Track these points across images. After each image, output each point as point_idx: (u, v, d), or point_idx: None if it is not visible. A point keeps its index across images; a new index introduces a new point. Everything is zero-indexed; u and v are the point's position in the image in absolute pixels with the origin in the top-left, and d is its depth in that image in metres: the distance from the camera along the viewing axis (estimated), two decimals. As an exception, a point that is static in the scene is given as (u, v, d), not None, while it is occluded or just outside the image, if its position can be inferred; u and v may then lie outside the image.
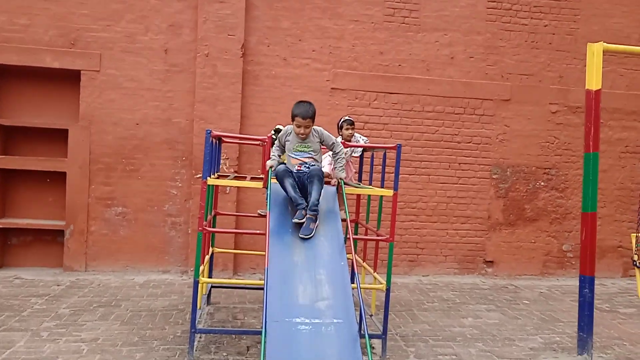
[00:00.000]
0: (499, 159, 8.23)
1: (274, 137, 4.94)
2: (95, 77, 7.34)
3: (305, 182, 4.46)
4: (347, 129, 5.58)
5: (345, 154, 5.47)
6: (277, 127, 5.29)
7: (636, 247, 5.39)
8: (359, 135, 5.89)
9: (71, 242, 7.26)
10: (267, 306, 3.68)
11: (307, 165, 4.49)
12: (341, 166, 4.68)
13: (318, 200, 4.39)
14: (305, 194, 4.46)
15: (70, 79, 7.37)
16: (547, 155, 8.35)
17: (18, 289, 6.32)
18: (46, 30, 7.24)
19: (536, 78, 8.32)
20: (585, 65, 5.05)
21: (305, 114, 4.40)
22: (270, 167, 4.48)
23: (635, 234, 5.45)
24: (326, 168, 5.44)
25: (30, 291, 6.21)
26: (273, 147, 4.70)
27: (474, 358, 4.71)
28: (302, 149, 4.51)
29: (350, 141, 5.65)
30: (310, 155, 4.53)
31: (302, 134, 4.45)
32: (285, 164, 4.60)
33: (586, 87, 4.94)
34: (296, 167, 4.51)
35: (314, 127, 4.53)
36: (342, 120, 5.75)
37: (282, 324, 3.71)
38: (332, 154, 4.74)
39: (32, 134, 7.41)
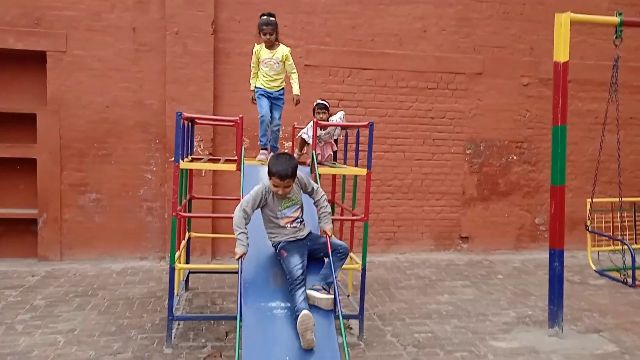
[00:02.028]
0: (472, 134, 8.29)
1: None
2: (61, 58, 7.12)
3: (309, 249, 3.98)
4: (318, 113, 5.51)
5: (327, 133, 5.49)
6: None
7: (589, 212, 5.53)
8: (335, 115, 5.80)
9: (45, 230, 7.14)
10: (242, 291, 3.69)
11: (299, 220, 3.98)
12: (326, 216, 4.09)
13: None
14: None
15: (35, 60, 7.13)
16: (520, 128, 8.43)
17: (-9, 280, 6.23)
18: (8, 9, 6.97)
19: (508, 50, 8.34)
20: (554, 34, 5.03)
21: (284, 173, 3.74)
22: (241, 256, 3.75)
23: (589, 200, 5.56)
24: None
25: (4, 283, 6.12)
26: (238, 213, 3.81)
27: (449, 334, 4.82)
28: (288, 205, 3.93)
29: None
30: (297, 207, 3.98)
31: (281, 195, 3.86)
32: (274, 233, 4.00)
33: (554, 59, 4.93)
34: (289, 226, 3.93)
35: None
36: (315, 104, 5.67)
37: (258, 308, 3.75)
38: (314, 203, 4.17)
39: (-3, 120, 7.20)
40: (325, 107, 5.54)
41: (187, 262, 5.94)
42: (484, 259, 7.95)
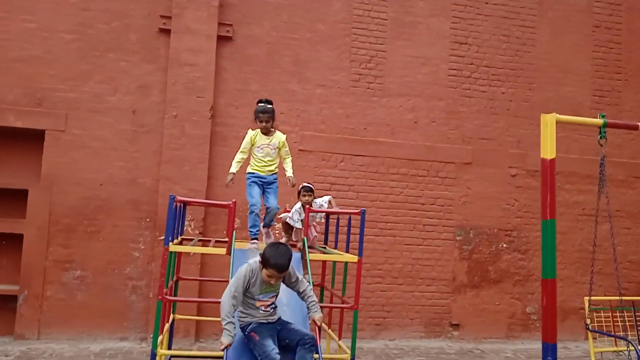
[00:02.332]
0: (462, 221, 8.38)
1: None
2: (59, 137, 7.26)
3: (278, 334, 3.85)
4: (304, 196, 5.58)
5: (312, 216, 5.53)
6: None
7: (589, 310, 5.47)
8: (320, 199, 5.86)
9: (24, 308, 6.93)
10: None
11: (273, 306, 3.91)
12: (315, 305, 3.98)
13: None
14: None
15: (33, 138, 7.27)
16: (508, 217, 8.55)
17: (-37, 359, 5.95)
18: (11, 89, 7.19)
19: (496, 142, 8.64)
20: (541, 131, 5.23)
21: (282, 267, 3.71)
22: (227, 346, 3.64)
23: (587, 298, 5.53)
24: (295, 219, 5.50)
25: (-24, 362, 5.86)
26: (227, 300, 3.70)
27: None
28: (267, 291, 3.88)
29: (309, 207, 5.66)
30: (274, 295, 3.92)
31: (272, 283, 3.82)
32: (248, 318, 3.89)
33: (541, 156, 5.11)
34: (262, 309, 3.85)
35: None
36: (300, 187, 5.75)
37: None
38: (299, 293, 4.01)
39: (-11, 194, 7.20)
40: (311, 190, 5.62)
41: (170, 345, 5.72)
42: (475, 347, 7.76)
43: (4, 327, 7.01)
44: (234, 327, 3.67)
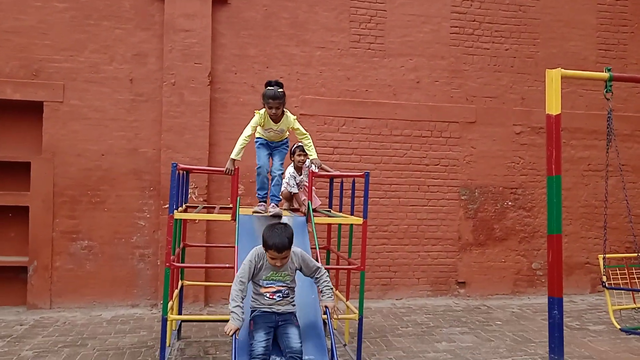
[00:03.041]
0: (466, 180, 8.35)
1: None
2: (58, 108, 7.19)
3: (277, 325, 3.71)
4: (299, 155, 5.55)
5: (302, 180, 5.52)
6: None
7: (603, 268, 5.51)
8: (311, 163, 5.80)
9: (35, 278, 7.01)
10: (236, 344, 3.60)
11: (282, 294, 3.74)
12: (329, 291, 3.89)
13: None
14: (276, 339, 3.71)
15: (32, 110, 7.21)
16: (513, 175, 8.51)
17: (-23, 330, 6.06)
18: (7, 62, 7.09)
19: (500, 100, 8.52)
20: (545, 87, 5.16)
21: (281, 246, 3.58)
22: (235, 331, 3.55)
23: (601, 255, 5.57)
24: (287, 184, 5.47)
25: (-10, 333, 5.97)
26: (234, 286, 3.65)
27: (448, 385, 4.69)
28: (274, 279, 3.74)
29: (301, 167, 5.63)
30: (283, 285, 3.76)
31: (279, 265, 3.71)
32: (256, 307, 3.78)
33: (546, 112, 5.05)
34: (268, 295, 3.72)
35: (293, 249, 3.77)
36: (294, 146, 5.64)
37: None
38: (315, 280, 3.93)
39: (-8, 168, 7.19)
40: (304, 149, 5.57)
41: (180, 311, 5.82)
42: (482, 304, 7.85)
43: (17, 297, 7.12)
44: (242, 312, 3.59)
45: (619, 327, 5.58)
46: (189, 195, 6.73)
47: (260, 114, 4.83)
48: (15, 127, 7.32)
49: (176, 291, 5.33)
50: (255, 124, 4.87)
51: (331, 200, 6.19)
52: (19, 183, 7.20)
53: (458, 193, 8.32)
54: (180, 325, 5.81)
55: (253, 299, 3.79)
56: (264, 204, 5.08)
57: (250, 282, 3.75)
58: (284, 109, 4.86)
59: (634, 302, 6.50)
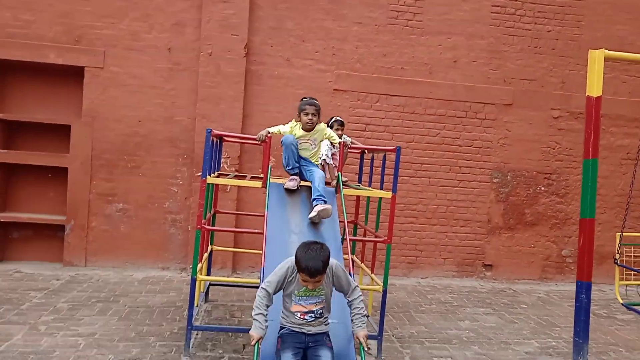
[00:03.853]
0: (499, 163, 8.24)
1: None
2: (98, 74, 7.38)
3: (307, 347, 3.30)
4: (336, 129, 5.52)
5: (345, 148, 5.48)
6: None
7: (619, 245, 5.44)
8: (346, 137, 5.80)
9: (71, 237, 7.29)
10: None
11: (314, 315, 3.30)
12: (361, 318, 3.39)
13: None
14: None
15: (73, 75, 7.42)
16: (548, 160, 8.35)
17: (17, 282, 6.36)
18: (50, 27, 7.28)
19: (538, 83, 8.33)
20: (587, 69, 5.04)
21: (314, 269, 3.13)
22: (258, 340, 3.19)
23: (619, 233, 5.49)
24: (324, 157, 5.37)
25: (29, 285, 6.25)
26: (259, 293, 3.28)
27: (469, 361, 4.72)
28: (306, 295, 3.30)
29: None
30: (317, 302, 3.31)
31: (311, 288, 3.28)
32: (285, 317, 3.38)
33: (587, 94, 4.94)
34: (299, 315, 3.30)
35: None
36: (332, 119, 5.60)
37: (277, 323, 3.71)
38: (348, 301, 3.43)
39: (34, 129, 7.44)
40: (343, 124, 5.57)
41: (208, 274, 5.98)
42: (508, 287, 7.80)
43: (54, 254, 7.43)
44: (265, 320, 3.23)
45: (621, 301, 5.55)
46: (221, 165, 6.84)
47: (293, 122, 4.82)
48: (57, 91, 7.55)
49: (205, 255, 5.47)
50: (287, 129, 4.80)
51: (361, 176, 6.20)
52: (59, 145, 7.45)
53: (490, 176, 8.22)
54: (208, 288, 5.98)
55: (283, 315, 3.40)
56: (296, 177, 4.78)
57: (281, 292, 3.37)
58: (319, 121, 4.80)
59: None
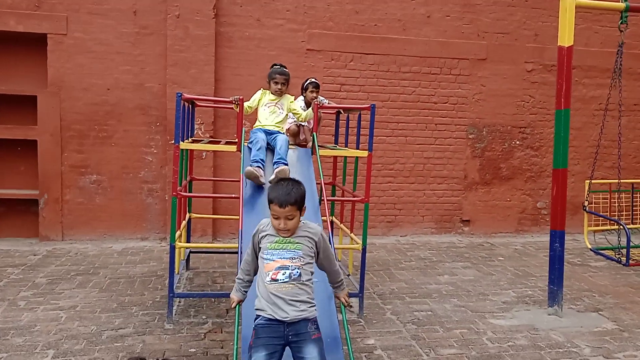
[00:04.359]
0: (475, 119, 8.27)
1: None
2: (62, 41, 7.10)
3: (288, 342, 2.75)
4: (311, 92, 5.47)
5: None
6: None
7: (588, 193, 5.57)
8: (322, 98, 5.74)
9: (46, 211, 7.16)
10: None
11: (289, 273, 2.74)
12: (342, 283, 3.15)
13: None
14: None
15: (36, 43, 7.12)
16: (523, 114, 8.41)
17: (-7, 259, 6.26)
18: (8, -8, 6.94)
19: (512, 36, 8.29)
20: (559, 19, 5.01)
21: (284, 198, 2.72)
22: (238, 302, 3.02)
23: (588, 181, 5.61)
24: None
25: (5, 261, 6.15)
26: (243, 261, 3.05)
27: (448, 313, 4.83)
28: (281, 247, 2.80)
29: (311, 104, 5.56)
30: (295, 257, 2.78)
31: (283, 230, 2.79)
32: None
33: (558, 44, 4.93)
34: (271, 276, 2.74)
35: (304, 221, 2.90)
36: (307, 81, 5.57)
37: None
38: (325, 268, 3.07)
39: (-1, 102, 7.19)
40: (318, 87, 5.51)
41: (188, 242, 5.95)
42: (485, 241, 7.96)
43: (29, 229, 7.29)
44: (245, 283, 3.01)
45: (590, 246, 5.72)
46: (195, 131, 6.72)
47: (261, 90, 4.93)
48: (20, 60, 7.26)
49: (184, 222, 5.43)
50: (256, 97, 4.89)
51: (337, 137, 6.16)
52: (26, 117, 7.21)
53: (466, 132, 8.26)
54: (188, 256, 5.96)
55: (258, 292, 2.84)
56: (259, 168, 4.46)
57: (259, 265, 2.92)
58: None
59: (609, 226, 6.57)
